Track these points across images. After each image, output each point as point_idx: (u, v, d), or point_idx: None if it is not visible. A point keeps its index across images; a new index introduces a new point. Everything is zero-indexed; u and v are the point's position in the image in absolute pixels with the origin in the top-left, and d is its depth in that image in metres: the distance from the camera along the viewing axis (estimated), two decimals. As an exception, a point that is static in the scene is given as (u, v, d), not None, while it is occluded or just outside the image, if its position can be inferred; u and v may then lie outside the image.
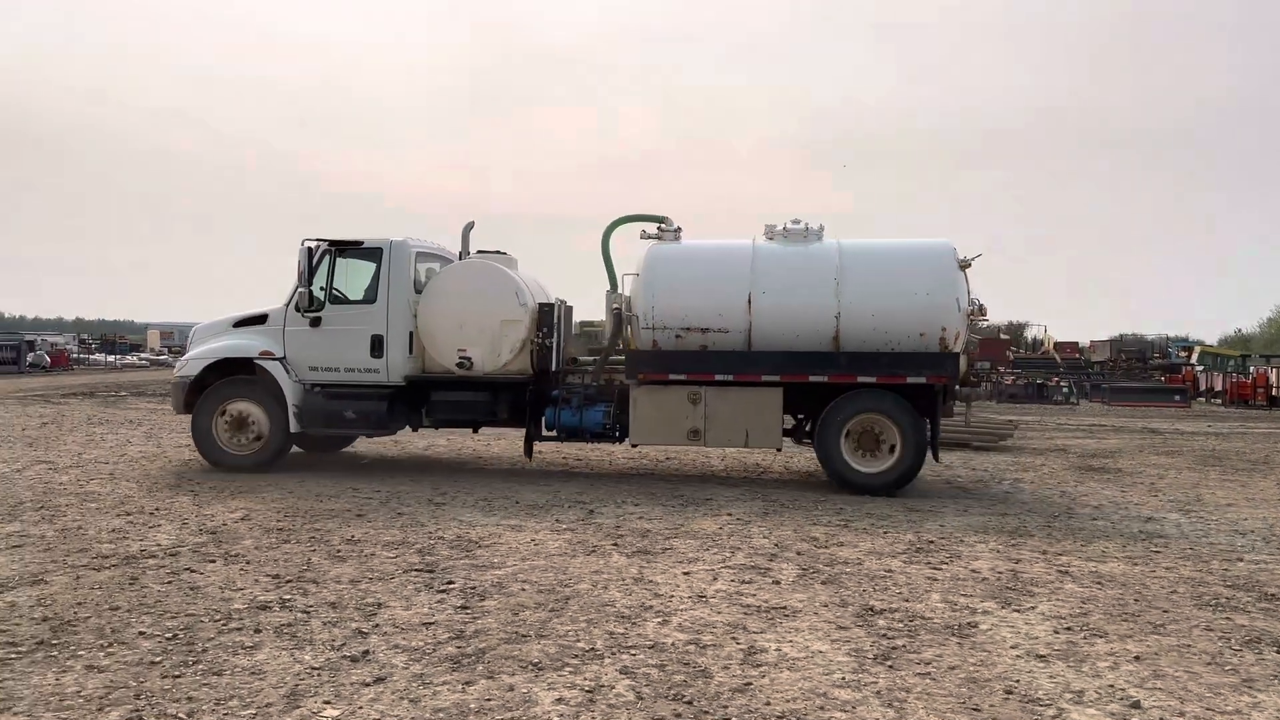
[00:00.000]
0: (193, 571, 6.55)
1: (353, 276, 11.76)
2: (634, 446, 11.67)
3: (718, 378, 10.61)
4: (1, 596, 5.88)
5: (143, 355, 58.03)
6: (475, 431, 13.78)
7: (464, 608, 5.72)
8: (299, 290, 11.29)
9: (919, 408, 10.37)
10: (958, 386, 10.76)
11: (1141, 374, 42.26)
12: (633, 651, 4.91)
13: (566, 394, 11.33)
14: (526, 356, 11.29)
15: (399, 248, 11.49)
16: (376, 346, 11.30)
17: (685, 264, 11.16)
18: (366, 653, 4.88)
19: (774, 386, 10.54)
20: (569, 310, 12.22)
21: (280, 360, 11.36)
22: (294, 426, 11.22)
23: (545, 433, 11.42)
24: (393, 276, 11.39)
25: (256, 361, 11.41)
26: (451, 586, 6.19)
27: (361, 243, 11.56)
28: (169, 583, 6.26)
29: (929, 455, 10.47)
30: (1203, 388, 35.08)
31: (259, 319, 11.67)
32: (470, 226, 12.31)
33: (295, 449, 12.32)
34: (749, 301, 10.66)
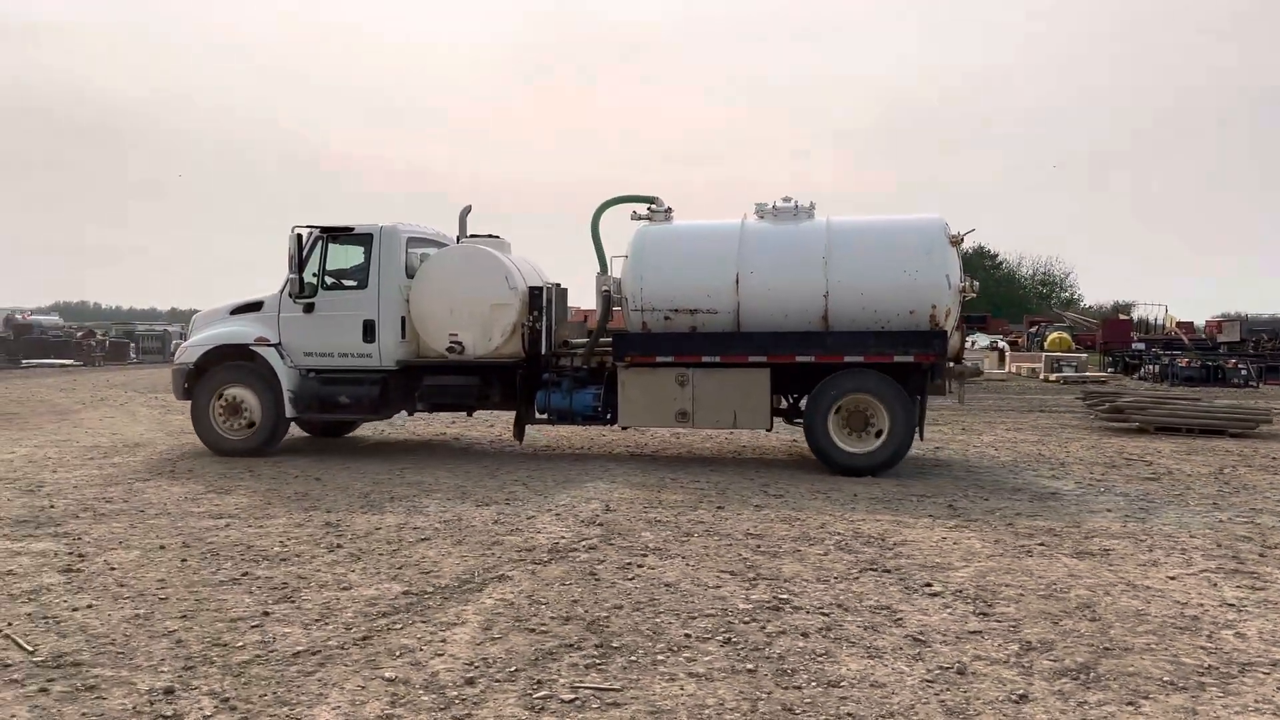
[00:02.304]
0: (640, 566, 6.36)
1: (345, 262, 11.74)
2: (624, 429, 11.88)
3: (704, 359, 10.49)
4: (487, 593, 5.75)
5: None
6: (469, 415, 13.90)
7: (984, 614, 5.38)
8: (290, 277, 11.31)
9: (908, 387, 10.15)
10: (948, 364, 10.43)
11: (1259, 355, 39.95)
12: (1267, 669, 4.51)
13: (557, 377, 11.24)
14: (517, 340, 11.25)
15: (389, 233, 11.45)
16: (369, 331, 11.31)
17: (674, 245, 10.95)
18: (962, 667, 4.57)
19: (761, 367, 10.37)
20: (563, 293, 12.02)
21: (275, 346, 11.44)
22: (289, 411, 11.38)
23: (537, 415, 11.36)
24: (384, 262, 11.37)
25: (252, 348, 11.45)
26: (932, 589, 5.87)
27: (352, 228, 11.52)
28: (633, 579, 6.07)
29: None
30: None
31: (255, 306, 11.76)
32: (468, 210, 12.16)
33: (301, 433, 12.99)
34: (736, 281, 10.44)
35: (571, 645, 4.85)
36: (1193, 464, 11.32)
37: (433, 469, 10.53)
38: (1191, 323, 52.37)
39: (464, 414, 14.06)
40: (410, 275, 11.58)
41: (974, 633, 5.05)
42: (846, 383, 10.26)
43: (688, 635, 4.98)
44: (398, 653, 4.74)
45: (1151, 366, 32.20)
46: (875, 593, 5.77)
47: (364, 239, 11.57)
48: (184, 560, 6.54)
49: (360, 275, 11.55)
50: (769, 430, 11.34)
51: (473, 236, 12.04)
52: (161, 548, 6.90)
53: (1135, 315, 58.31)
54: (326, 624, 5.19)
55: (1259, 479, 10.22)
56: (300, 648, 4.81)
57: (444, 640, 4.93)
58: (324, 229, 11.57)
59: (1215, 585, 5.96)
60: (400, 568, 6.35)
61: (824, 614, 5.34)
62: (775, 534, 7.35)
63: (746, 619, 5.25)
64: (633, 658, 4.66)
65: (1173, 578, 6.12)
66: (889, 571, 6.26)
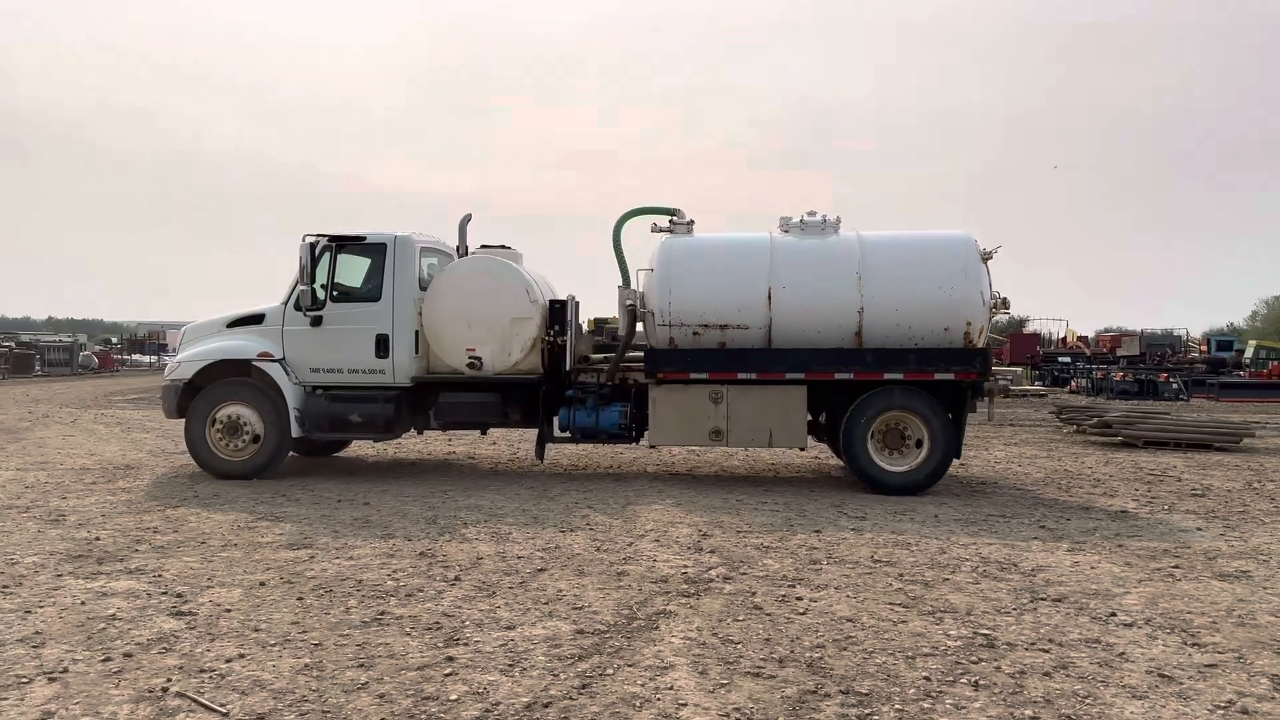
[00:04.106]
0: (799, 599, 6.04)
1: (355, 273, 11.21)
2: (652, 448, 11.80)
3: (740, 376, 10.31)
4: (665, 631, 5.35)
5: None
6: (484, 433, 13.48)
7: (1197, 645, 5.23)
8: (300, 288, 10.66)
9: (945, 404, 10.15)
10: (983, 382, 10.42)
11: (1185, 369, 41.82)
12: None
13: (581, 394, 10.89)
14: (537, 355, 10.86)
15: (404, 242, 10.91)
16: (382, 346, 10.73)
17: (701, 258, 10.73)
18: (1244, 706, 4.38)
19: (798, 385, 10.26)
20: (577, 307, 11.75)
21: (279, 362, 10.75)
22: (296, 431, 10.65)
23: (558, 434, 10.98)
24: (398, 273, 10.81)
25: (254, 364, 10.77)
26: (1119, 618, 5.70)
27: (364, 237, 10.94)
28: (804, 613, 5.75)
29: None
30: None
31: (255, 318, 11.02)
32: (467, 219, 11.74)
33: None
34: (769, 296, 10.30)
35: (814, 691, 4.50)
36: (1218, 479, 11.57)
37: (478, 491, 10.00)
38: (1088, 336, 54.56)
39: (466, 433, 13.46)
40: (423, 287, 11.00)
41: (1209, 666, 4.89)
42: (885, 400, 10.16)
43: (927, 678, 4.67)
44: (636, 703, 4.32)
45: (1082, 380, 33.31)
46: (1069, 625, 5.57)
47: (377, 249, 10.94)
48: (300, 599, 5.94)
49: (372, 287, 10.91)
50: (804, 449, 11.15)
51: (484, 247, 11.48)
52: (262, 584, 6.27)
53: (1032, 329, 60.41)
54: (526, 671, 4.73)
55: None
56: (524, 699, 4.35)
57: (671, 687, 4.53)
58: (333, 237, 10.89)
59: (1385, 607, 5.94)
60: (546, 603, 5.89)
61: (1043, 650, 5.11)
62: (903, 560, 7.12)
63: (972, 658, 4.97)
64: (897, 705, 4.33)
65: (1342, 602, 6.09)
66: (1059, 601, 6.07)
